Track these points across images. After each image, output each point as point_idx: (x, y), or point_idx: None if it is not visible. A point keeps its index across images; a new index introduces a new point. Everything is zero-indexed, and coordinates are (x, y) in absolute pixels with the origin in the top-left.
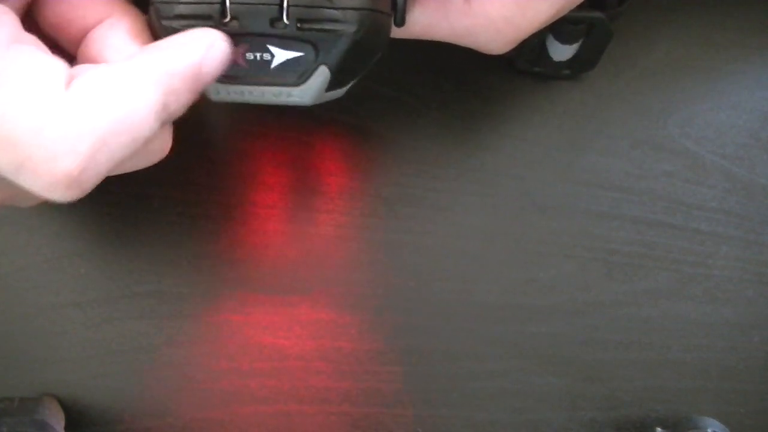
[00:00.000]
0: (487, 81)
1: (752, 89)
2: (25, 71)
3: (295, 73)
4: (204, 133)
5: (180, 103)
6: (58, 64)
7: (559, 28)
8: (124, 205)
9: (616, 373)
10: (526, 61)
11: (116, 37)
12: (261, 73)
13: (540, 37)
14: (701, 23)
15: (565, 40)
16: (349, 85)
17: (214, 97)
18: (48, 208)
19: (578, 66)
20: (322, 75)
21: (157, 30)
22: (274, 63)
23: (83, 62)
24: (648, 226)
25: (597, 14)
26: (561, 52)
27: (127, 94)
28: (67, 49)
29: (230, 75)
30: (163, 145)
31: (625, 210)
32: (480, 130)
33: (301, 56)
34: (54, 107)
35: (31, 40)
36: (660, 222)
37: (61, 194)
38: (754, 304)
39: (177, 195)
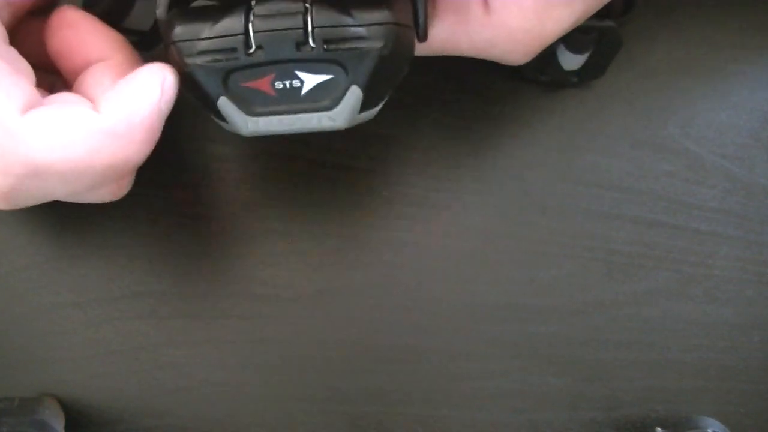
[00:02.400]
0: (487, 82)
1: (752, 89)
2: None
3: (326, 97)
4: (204, 133)
5: (142, 152)
6: (23, 88)
7: (571, 37)
8: (125, 205)
9: (616, 373)
10: (534, 70)
11: (110, 78)
12: (292, 101)
13: (550, 47)
14: (701, 23)
15: (576, 49)
16: (380, 105)
17: (245, 131)
18: (48, 208)
19: (587, 74)
20: (354, 95)
21: (180, 69)
22: (305, 89)
23: (76, 91)
24: (648, 226)
25: (608, 23)
26: (571, 61)
27: (76, 139)
28: (66, 76)
29: (260, 107)
30: (120, 190)
31: (625, 210)
32: (480, 131)
33: (331, 79)
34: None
35: (9, 56)
36: (660, 222)
37: None
38: (754, 304)
39: (177, 195)
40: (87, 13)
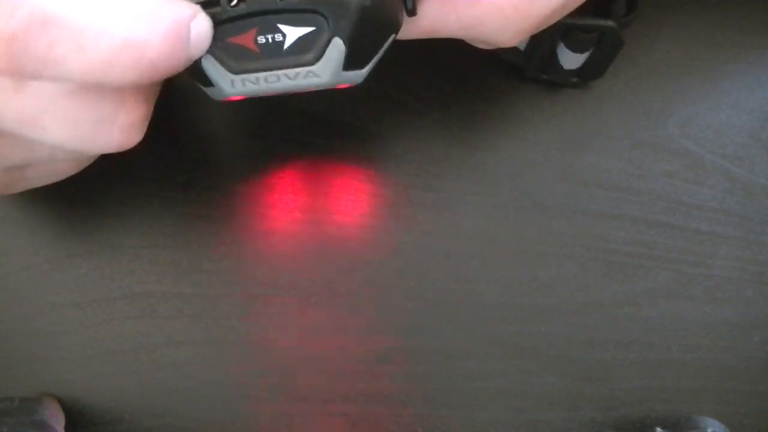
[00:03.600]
0: (487, 82)
1: (752, 89)
2: None
3: (309, 51)
4: (204, 133)
5: (161, 51)
6: None
7: (570, 36)
8: (125, 205)
9: (616, 373)
10: (535, 69)
11: None
12: (275, 56)
13: (551, 46)
14: (701, 23)
15: (576, 48)
16: (368, 68)
17: (229, 91)
18: (48, 207)
19: (587, 74)
20: (336, 48)
21: None
22: (287, 43)
23: None
24: (648, 226)
25: (609, 23)
26: (571, 60)
27: (97, 2)
28: None
29: (244, 64)
30: (125, 136)
31: (625, 210)
32: (480, 131)
33: (313, 31)
34: None
35: None
36: (660, 222)
37: None
38: (754, 304)
39: (177, 195)
40: None
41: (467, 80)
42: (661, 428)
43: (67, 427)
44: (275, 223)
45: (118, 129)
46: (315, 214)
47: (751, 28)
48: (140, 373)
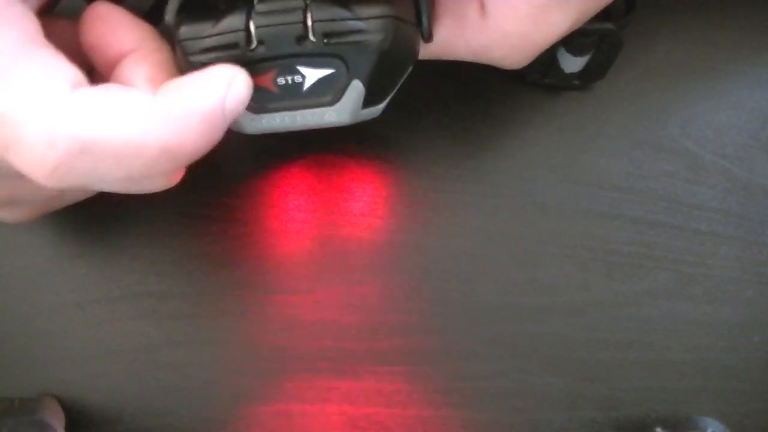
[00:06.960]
0: (487, 82)
1: (752, 89)
2: (33, 66)
3: (328, 92)
4: None
5: (198, 143)
6: (69, 68)
7: (571, 40)
8: (125, 205)
9: (616, 373)
10: (537, 74)
11: (147, 65)
12: (294, 97)
13: (551, 50)
14: (701, 23)
15: (577, 52)
16: (386, 102)
17: (249, 129)
18: None
19: (588, 76)
20: (356, 90)
21: (184, 67)
22: (306, 84)
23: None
24: (648, 226)
25: (608, 26)
26: (572, 63)
27: (127, 116)
28: (100, 69)
29: (263, 103)
30: (167, 180)
31: (625, 210)
32: (480, 131)
33: (332, 73)
34: (46, 102)
35: (47, 44)
36: (660, 222)
37: (42, 181)
38: (754, 304)
39: (177, 195)
40: (117, 6)
41: (468, 81)
42: (661, 428)
43: (67, 427)
44: (275, 224)
45: (160, 177)
46: (315, 215)
47: (751, 28)
48: (140, 373)
